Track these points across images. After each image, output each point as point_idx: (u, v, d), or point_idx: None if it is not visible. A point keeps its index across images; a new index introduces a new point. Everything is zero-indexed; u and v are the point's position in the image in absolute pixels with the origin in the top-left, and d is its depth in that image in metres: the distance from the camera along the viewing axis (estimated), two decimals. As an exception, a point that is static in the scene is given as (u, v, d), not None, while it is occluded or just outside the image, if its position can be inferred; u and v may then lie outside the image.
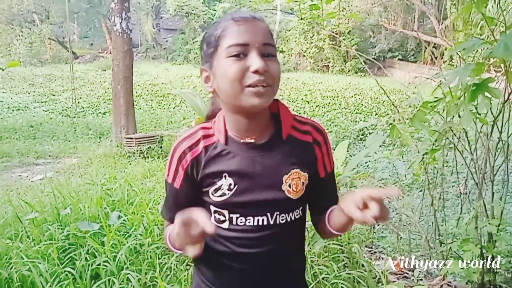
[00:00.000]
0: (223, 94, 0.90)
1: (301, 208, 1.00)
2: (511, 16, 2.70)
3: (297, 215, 0.98)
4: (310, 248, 2.44)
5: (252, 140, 0.94)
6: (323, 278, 2.22)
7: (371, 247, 3.42)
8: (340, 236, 0.98)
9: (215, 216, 0.96)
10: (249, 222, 0.94)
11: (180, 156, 0.95)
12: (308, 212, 1.07)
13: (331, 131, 9.34)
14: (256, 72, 0.84)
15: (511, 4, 2.84)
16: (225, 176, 0.92)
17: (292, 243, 1.02)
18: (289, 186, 0.94)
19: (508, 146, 2.44)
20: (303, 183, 0.96)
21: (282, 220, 0.96)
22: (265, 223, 0.94)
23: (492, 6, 2.92)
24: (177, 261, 2.37)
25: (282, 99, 13.37)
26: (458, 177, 3.09)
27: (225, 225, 0.95)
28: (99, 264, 2.25)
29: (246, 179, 0.93)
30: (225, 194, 0.93)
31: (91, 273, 2.22)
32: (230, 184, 0.92)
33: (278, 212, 0.95)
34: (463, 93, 2.18)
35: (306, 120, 1.01)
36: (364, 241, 3.26)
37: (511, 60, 1.99)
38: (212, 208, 0.95)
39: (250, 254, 0.96)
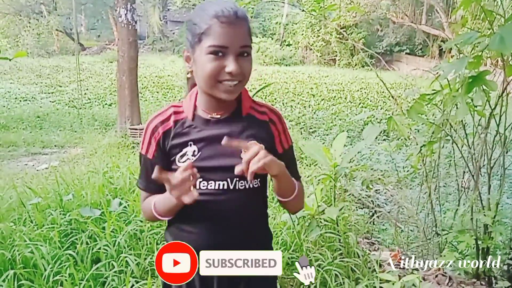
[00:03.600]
0: (199, 81, 1.03)
1: (259, 179, 1.09)
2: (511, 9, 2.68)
3: (255, 184, 1.08)
4: (306, 236, 2.48)
5: (218, 116, 1.07)
6: (318, 265, 2.26)
7: (371, 239, 3.45)
8: (287, 200, 1.12)
9: None
10: (210, 186, 1.05)
11: (153, 130, 1.08)
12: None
13: (335, 125, 9.33)
14: (230, 73, 0.96)
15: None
16: (190, 144, 1.05)
17: (251, 208, 1.11)
18: None
19: (506, 138, 2.44)
20: None
21: (241, 186, 1.06)
22: (225, 187, 1.05)
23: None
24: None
25: (288, 92, 13.38)
26: (460, 171, 3.09)
27: None
28: (99, 248, 2.31)
29: (208, 147, 1.05)
30: (189, 159, 1.04)
31: (92, 257, 2.28)
32: (194, 151, 1.05)
33: (237, 179, 1.05)
34: (460, 86, 2.19)
35: (263, 103, 1.15)
36: (361, 232, 3.29)
37: (506, 53, 1.99)
38: None
39: (215, 213, 1.07)
